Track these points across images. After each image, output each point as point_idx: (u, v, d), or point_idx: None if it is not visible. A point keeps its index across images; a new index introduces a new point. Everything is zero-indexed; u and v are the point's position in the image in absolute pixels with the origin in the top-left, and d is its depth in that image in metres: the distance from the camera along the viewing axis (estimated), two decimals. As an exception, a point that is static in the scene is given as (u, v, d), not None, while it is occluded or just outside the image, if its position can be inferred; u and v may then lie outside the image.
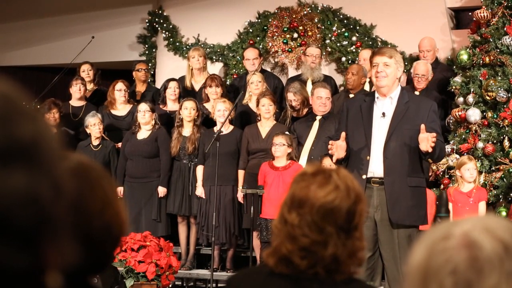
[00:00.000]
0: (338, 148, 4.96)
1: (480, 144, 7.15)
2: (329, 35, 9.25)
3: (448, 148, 7.01)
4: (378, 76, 5.00)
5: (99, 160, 7.76)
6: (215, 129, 7.55)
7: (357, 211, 2.03)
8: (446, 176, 7.27)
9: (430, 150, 4.76)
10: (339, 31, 9.20)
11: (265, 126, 7.63)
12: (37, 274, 0.87)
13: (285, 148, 7.10)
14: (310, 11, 9.37)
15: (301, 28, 9.33)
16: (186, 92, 8.51)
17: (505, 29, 7.33)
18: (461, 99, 7.47)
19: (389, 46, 8.48)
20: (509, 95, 7.14)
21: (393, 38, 8.89)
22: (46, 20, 11.00)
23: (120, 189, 7.87)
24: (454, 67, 7.89)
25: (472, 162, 6.76)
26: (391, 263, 4.90)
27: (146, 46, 10.43)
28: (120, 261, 6.53)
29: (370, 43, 9.02)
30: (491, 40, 7.37)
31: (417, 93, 7.46)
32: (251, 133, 7.63)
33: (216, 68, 9.77)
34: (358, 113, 5.09)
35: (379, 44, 8.91)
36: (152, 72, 10.11)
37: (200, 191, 7.69)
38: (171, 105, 8.36)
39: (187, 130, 7.89)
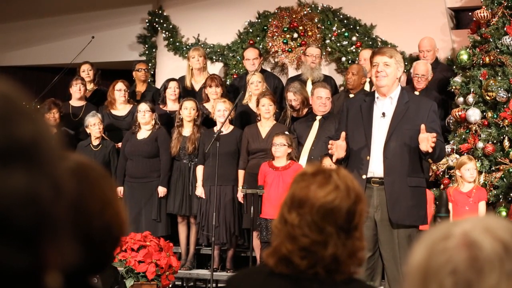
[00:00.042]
0: (338, 148, 4.96)
1: (480, 144, 7.15)
2: (329, 35, 9.25)
3: (448, 148, 7.01)
4: (378, 75, 5.00)
5: (99, 160, 7.76)
6: (215, 129, 7.55)
7: (357, 211, 2.03)
8: (446, 176, 7.27)
9: (430, 150, 4.76)
10: (339, 31, 9.20)
11: (265, 126, 7.63)
12: (37, 274, 0.87)
13: (285, 148, 7.10)
14: (310, 11, 9.37)
15: (301, 28, 9.33)
16: (186, 92, 8.51)
17: (505, 29, 7.33)
18: (461, 99, 7.47)
19: (389, 46, 8.48)
20: (509, 95, 7.14)
21: (393, 38, 8.89)
22: (46, 20, 11.00)
23: (120, 189, 7.87)
24: (454, 67, 7.89)
25: (472, 162, 6.76)
26: (391, 263, 4.90)
27: (146, 46, 10.43)
28: (120, 261, 6.53)
29: (370, 43, 9.02)
30: (491, 40, 7.37)
31: (417, 93, 7.46)
32: (251, 133, 7.64)
33: (216, 68, 9.77)
34: (358, 113, 5.09)
35: (379, 44, 8.91)
36: (152, 72, 10.11)
37: (200, 191, 7.69)
38: (171, 105, 8.36)
39: (187, 130, 7.89)
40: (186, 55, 9.43)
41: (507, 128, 7.11)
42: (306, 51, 8.64)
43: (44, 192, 0.86)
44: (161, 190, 7.85)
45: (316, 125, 7.49)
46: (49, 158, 0.88)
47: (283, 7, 9.50)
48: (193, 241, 7.87)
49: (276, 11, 9.54)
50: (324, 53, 9.11)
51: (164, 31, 10.20)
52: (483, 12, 7.46)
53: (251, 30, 9.67)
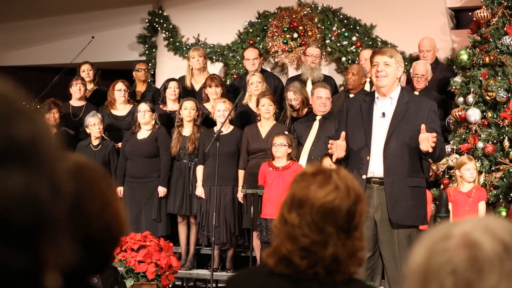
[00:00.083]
0: (338, 147, 4.96)
1: (480, 144, 7.15)
2: (329, 35, 9.25)
3: (448, 148, 7.01)
4: (378, 75, 5.00)
5: (99, 160, 7.76)
6: (215, 129, 7.55)
7: (357, 211, 2.03)
8: (446, 176, 7.27)
9: (430, 150, 4.76)
10: (339, 31, 9.20)
11: (265, 126, 7.63)
12: (36, 274, 0.87)
13: (285, 149, 7.10)
14: (310, 11, 9.37)
15: (301, 28, 9.33)
16: (186, 92, 8.51)
17: (505, 29, 7.33)
18: (461, 99, 7.46)
19: (389, 46, 8.48)
20: (509, 95, 7.14)
21: (393, 38, 8.89)
22: (46, 20, 11.00)
23: (120, 189, 7.87)
24: (454, 67, 7.89)
25: (472, 162, 6.76)
26: (391, 263, 4.90)
27: (146, 46, 10.43)
28: (120, 261, 6.53)
29: (370, 43, 9.02)
30: (491, 40, 7.37)
31: (416, 93, 7.45)
32: (251, 133, 7.64)
33: (216, 68, 9.77)
34: (358, 113, 5.09)
35: (379, 44, 8.91)
36: (152, 72, 10.11)
37: (200, 191, 7.69)
38: (171, 105, 8.36)
39: (187, 130, 7.89)
40: (186, 55, 9.43)
41: (507, 128, 7.11)
42: (306, 51, 8.64)
43: (43, 192, 0.86)
44: (161, 190, 7.85)
45: (316, 125, 7.49)
46: (48, 158, 0.88)
47: (283, 7, 9.50)
48: (193, 241, 7.87)
49: (276, 11, 9.54)
50: (324, 53, 9.11)
51: (164, 31, 10.20)
52: (483, 12, 7.46)
53: (251, 30, 9.67)
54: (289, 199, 2.04)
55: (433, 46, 8.22)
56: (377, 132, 4.99)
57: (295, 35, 9.35)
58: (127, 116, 8.49)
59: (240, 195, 7.52)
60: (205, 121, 8.09)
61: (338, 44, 9.18)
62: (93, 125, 8.03)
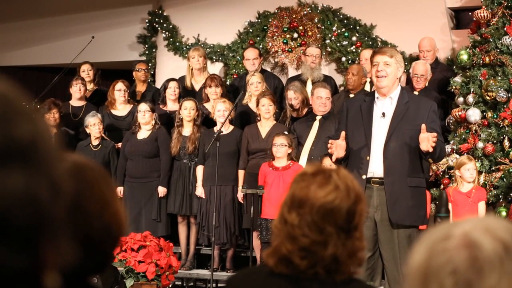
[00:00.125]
0: (338, 147, 4.96)
1: (480, 144, 7.15)
2: (329, 35, 9.24)
3: (448, 148, 7.01)
4: (378, 75, 5.00)
5: (98, 160, 7.76)
6: (215, 129, 7.55)
7: (357, 211, 2.03)
8: (446, 176, 7.27)
9: (430, 150, 4.76)
10: (339, 31, 9.20)
11: (265, 126, 7.63)
12: (36, 274, 0.87)
13: (286, 149, 7.10)
14: (310, 11, 9.37)
15: (301, 28, 9.33)
16: (186, 92, 8.51)
17: (505, 29, 7.33)
18: (461, 99, 7.46)
19: (389, 46, 8.47)
20: (509, 95, 7.14)
21: (393, 38, 8.89)
22: (46, 20, 11.00)
23: (120, 189, 7.87)
24: (454, 67, 7.89)
25: (472, 162, 6.76)
26: (391, 263, 4.90)
27: (146, 46, 10.43)
28: (120, 261, 6.53)
29: (370, 43, 9.02)
30: (491, 40, 7.37)
31: (416, 93, 7.45)
32: (251, 133, 7.64)
33: (216, 68, 9.77)
34: (358, 113, 5.09)
35: (379, 44, 8.91)
36: (152, 72, 10.11)
37: (200, 191, 7.69)
38: (171, 105, 8.36)
39: (187, 130, 7.89)
40: (186, 55, 9.43)
41: (507, 128, 7.11)
42: (306, 51, 8.64)
43: (42, 192, 0.86)
44: (161, 190, 7.85)
45: (316, 125, 7.49)
46: (48, 159, 0.88)
47: (283, 7, 9.50)
48: (193, 241, 7.87)
49: (276, 11, 9.54)
50: (324, 53, 9.10)
51: (164, 31, 10.20)
52: (483, 12, 7.46)
53: (251, 30, 9.67)
54: (289, 199, 2.04)
55: (433, 46, 8.22)
56: (377, 132, 4.99)
57: (295, 35, 9.35)
58: (127, 116, 8.48)
59: (240, 195, 7.52)
60: (205, 121, 8.09)
61: (338, 44, 9.18)
62: (93, 125, 8.03)
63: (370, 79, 7.70)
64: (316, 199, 2.00)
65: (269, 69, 9.31)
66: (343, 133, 4.97)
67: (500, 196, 7.03)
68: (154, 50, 10.38)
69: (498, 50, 7.31)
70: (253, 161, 7.55)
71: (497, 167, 7.09)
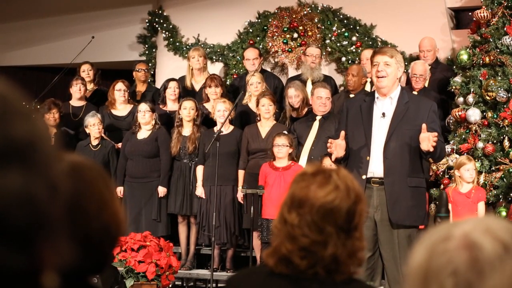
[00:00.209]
0: (338, 147, 4.96)
1: (480, 144, 7.15)
2: (329, 35, 9.24)
3: (448, 148, 7.01)
4: (379, 75, 5.00)
5: (98, 160, 7.76)
6: (215, 129, 7.55)
7: (357, 211, 2.02)
8: (446, 176, 7.26)
9: (431, 149, 4.76)
10: (339, 31, 9.20)
11: (265, 126, 7.63)
12: (34, 274, 0.87)
13: (287, 149, 7.11)
14: (310, 11, 9.37)
15: (301, 28, 9.33)
16: (186, 92, 8.51)
17: (505, 29, 7.32)
18: (461, 99, 7.46)
19: (389, 46, 8.47)
20: (509, 95, 7.14)
21: (393, 38, 8.89)
22: (46, 20, 10.99)
23: (120, 189, 7.87)
24: (454, 67, 7.89)
25: (472, 162, 6.76)
26: (391, 263, 4.90)
27: (146, 46, 10.43)
28: (120, 261, 6.53)
29: (370, 43, 9.02)
30: (491, 40, 7.37)
31: (415, 93, 7.45)
32: (251, 133, 7.64)
33: (216, 68, 9.77)
34: (358, 113, 5.09)
35: (379, 44, 8.91)
36: (152, 72, 10.11)
37: (200, 191, 7.69)
38: (171, 105, 8.36)
39: (187, 129, 7.89)
40: (186, 55, 9.43)
41: (507, 128, 7.11)
42: (306, 51, 8.64)
43: (40, 192, 0.86)
44: (161, 190, 7.84)
45: (316, 125, 7.49)
46: (45, 158, 0.88)
47: (283, 7, 9.50)
48: (193, 241, 7.87)
49: (276, 11, 9.54)
50: (324, 53, 9.10)
51: (164, 31, 10.20)
52: (483, 12, 7.45)
53: (251, 30, 9.67)
54: (289, 199, 2.04)
55: (433, 46, 8.22)
56: (377, 132, 4.99)
57: (295, 35, 9.35)
58: (127, 116, 8.48)
59: (240, 195, 7.52)
60: (205, 121, 8.09)
61: (338, 44, 9.18)
62: (93, 125, 8.03)
63: (370, 79, 7.70)
64: (316, 199, 2.00)
65: (269, 69, 9.31)
66: (342, 133, 4.97)
67: (500, 196, 7.03)
68: (154, 50, 10.38)
69: (498, 50, 7.31)
70: (253, 161, 7.55)
71: (497, 167, 7.09)
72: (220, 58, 9.82)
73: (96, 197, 1.47)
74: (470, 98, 7.33)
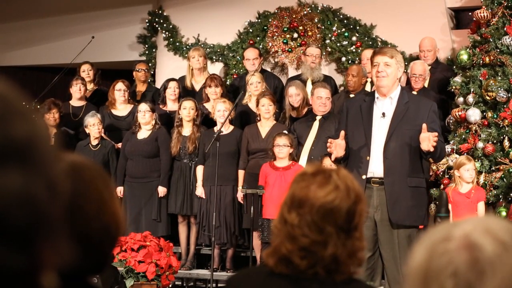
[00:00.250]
0: (337, 146, 4.96)
1: (480, 144, 7.15)
2: (329, 35, 9.24)
3: (448, 148, 7.01)
4: (379, 76, 5.00)
5: (98, 160, 7.76)
6: (215, 129, 7.55)
7: (357, 211, 2.02)
8: (446, 176, 7.26)
9: (431, 149, 4.76)
10: (339, 31, 9.20)
11: (265, 126, 7.63)
12: (33, 274, 0.87)
13: (288, 149, 7.11)
14: (310, 11, 9.37)
15: (301, 28, 9.33)
16: (186, 92, 8.51)
17: (505, 29, 7.32)
18: (461, 99, 7.46)
19: (389, 46, 8.47)
20: (509, 95, 7.13)
21: (393, 38, 8.89)
22: (46, 20, 10.99)
23: (120, 189, 7.87)
24: (454, 67, 7.89)
25: (471, 162, 6.75)
26: (391, 263, 4.90)
27: (146, 46, 10.43)
28: (120, 261, 6.53)
29: (370, 43, 9.01)
30: (491, 40, 7.36)
31: (414, 93, 7.45)
32: (251, 133, 7.64)
33: (216, 68, 9.77)
34: (358, 113, 5.09)
35: (379, 44, 8.90)
36: (152, 72, 10.10)
37: (200, 191, 7.69)
38: (171, 105, 8.36)
39: (187, 129, 7.89)
40: (186, 55, 9.43)
41: (507, 128, 7.11)
42: (306, 51, 8.64)
43: (40, 192, 0.86)
44: (161, 190, 7.84)
45: (316, 125, 7.49)
46: (45, 158, 0.88)
47: (283, 7, 9.50)
48: (193, 241, 7.87)
49: (276, 11, 9.54)
50: (324, 53, 9.10)
51: (164, 31, 10.20)
52: (483, 12, 7.45)
53: (251, 30, 9.67)
54: (289, 199, 2.04)
55: (434, 46, 8.22)
56: (377, 132, 4.99)
57: (295, 35, 9.35)
58: (127, 116, 8.49)
59: (240, 195, 7.52)
60: (205, 121, 8.09)
61: (338, 44, 9.18)
62: (93, 125, 8.03)
63: (370, 79, 7.70)
64: (316, 199, 2.00)
65: (269, 69, 9.31)
66: (342, 133, 4.98)
67: (500, 196, 7.03)
68: (154, 50, 10.38)
69: (498, 50, 7.31)
70: (253, 161, 7.55)
71: (497, 167, 7.09)
72: (220, 58, 9.82)
73: (96, 197, 1.47)
74: (470, 98, 7.33)
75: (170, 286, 6.96)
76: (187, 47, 9.89)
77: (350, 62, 9.00)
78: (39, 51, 11.06)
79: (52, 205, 0.87)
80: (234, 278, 2.20)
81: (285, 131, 7.42)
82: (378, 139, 4.97)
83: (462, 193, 6.69)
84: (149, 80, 9.67)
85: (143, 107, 7.93)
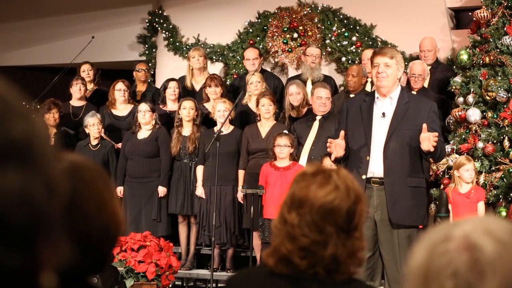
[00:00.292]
0: (337, 146, 4.96)
1: (480, 144, 7.15)
2: (329, 35, 9.24)
3: (448, 148, 7.01)
4: (379, 76, 5.00)
5: (97, 160, 7.76)
6: (215, 129, 7.55)
7: (357, 211, 2.02)
8: (446, 176, 7.26)
9: (432, 149, 4.76)
10: (339, 31, 9.20)
11: (265, 126, 7.63)
12: (32, 274, 0.87)
13: (288, 149, 7.11)
14: (310, 11, 9.37)
15: (301, 28, 9.33)
16: (186, 92, 8.52)
17: (505, 29, 7.32)
18: (461, 99, 7.46)
19: (389, 46, 8.47)
20: (509, 95, 7.13)
21: (393, 38, 8.88)
22: (46, 20, 10.99)
23: (120, 189, 7.87)
24: (454, 67, 7.89)
25: (471, 163, 6.75)
26: (391, 263, 4.90)
27: (146, 46, 10.43)
28: (120, 261, 6.53)
29: (370, 43, 9.01)
30: (491, 40, 7.36)
31: (414, 93, 7.45)
32: (251, 133, 7.64)
33: (216, 68, 9.77)
34: (358, 113, 5.09)
35: (379, 44, 8.90)
36: (152, 72, 10.10)
37: (200, 191, 7.69)
38: (171, 105, 8.36)
39: (187, 129, 7.89)
40: (186, 55, 9.43)
41: (507, 128, 7.11)
42: (306, 51, 8.64)
43: (39, 192, 0.86)
44: (161, 190, 7.84)
45: (316, 125, 7.49)
46: (44, 158, 0.87)
47: (283, 7, 9.50)
48: (193, 241, 7.87)
49: (276, 11, 9.54)
50: (324, 53, 9.10)
51: (164, 31, 10.20)
52: (483, 12, 7.45)
53: (251, 30, 9.67)
54: (289, 199, 2.04)
55: (434, 46, 8.22)
56: (377, 132, 4.99)
57: (295, 35, 9.35)
58: (127, 116, 8.49)
59: (240, 195, 7.52)
60: (205, 121, 8.09)
61: (338, 44, 9.18)
62: (92, 125, 8.03)
63: (370, 79, 7.69)
64: (316, 199, 1.99)
65: (269, 69, 9.31)
66: (342, 132, 4.98)
67: (500, 196, 7.03)
68: (154, 50, 10.38)
69: (498, 50, 7.31)
70: (253, 161, 7.55)
71: (497, 167, 7.09)
72: (220, 58, 9.82)
73: (96, 197, 1.47)
74: (470, 98, 7.33)
75: (170, 286, 6.96)
76: (187, 47, 9.89)
77: (350, 62, 9.00)
78: (39, 51, 11.06)
79: (51, 205, 0.87)
80: (234, 278, 2.20)
81: (286, 131, 7.42)
82: (378, 139, 4.97)
83: (462, 193, 6.69)
84: (149, 80, 9.67)
85: (143, 107, 7.93)
